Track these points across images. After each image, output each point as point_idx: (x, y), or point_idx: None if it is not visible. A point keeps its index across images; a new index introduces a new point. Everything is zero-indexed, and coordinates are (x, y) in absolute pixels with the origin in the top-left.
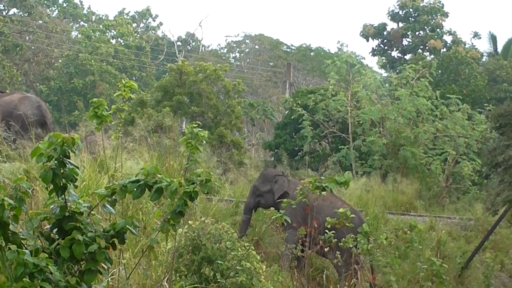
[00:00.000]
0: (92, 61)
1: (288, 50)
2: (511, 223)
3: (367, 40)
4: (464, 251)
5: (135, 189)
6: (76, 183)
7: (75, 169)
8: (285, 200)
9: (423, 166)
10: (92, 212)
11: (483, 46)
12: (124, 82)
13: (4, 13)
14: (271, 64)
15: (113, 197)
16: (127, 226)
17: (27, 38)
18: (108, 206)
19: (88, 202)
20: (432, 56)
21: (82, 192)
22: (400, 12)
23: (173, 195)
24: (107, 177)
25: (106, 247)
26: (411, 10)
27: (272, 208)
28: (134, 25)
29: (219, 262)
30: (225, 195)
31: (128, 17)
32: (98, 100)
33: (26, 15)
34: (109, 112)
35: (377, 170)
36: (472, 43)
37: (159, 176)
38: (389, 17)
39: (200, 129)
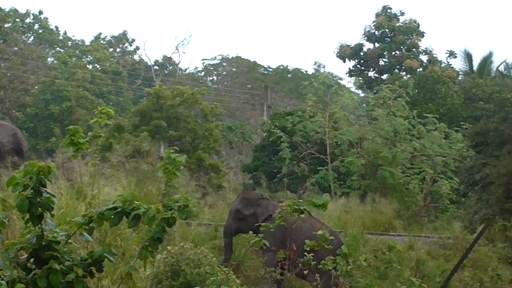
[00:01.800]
0: (69, 87)
1: (265, 72)
2: (490, 241)
3: (344, 61)
4: (443, 270)
5: (112, 217)
6: (52, 212)
7: (52, 198)
8: (264, 223)
9: (401, 186)
10: (70, 240)
11: (459, 64)
12: (100, 108)
13: None
14: (249, 86)
15: (90, 225)
16: (105, 254)
17: (3, 65)
18: (86, 234)
19: (65, 230)
20: (408, 76)
21: (59, 220)
22: (376, 33)
23: (151, 222)
24: (84, 204)
25: (83, 276)
26: (387, 30)
27: (250, 232)
28: (111, 49)
29: (199, 287)
30: (204, 219)
31: (104, 42)
32: (74, 127)
33: (1, 42)
34: (85, 139)
35: (356, 190)
36: (448, 62)
37: (137, 202)
38: (365, 38)
39: (178, 154)
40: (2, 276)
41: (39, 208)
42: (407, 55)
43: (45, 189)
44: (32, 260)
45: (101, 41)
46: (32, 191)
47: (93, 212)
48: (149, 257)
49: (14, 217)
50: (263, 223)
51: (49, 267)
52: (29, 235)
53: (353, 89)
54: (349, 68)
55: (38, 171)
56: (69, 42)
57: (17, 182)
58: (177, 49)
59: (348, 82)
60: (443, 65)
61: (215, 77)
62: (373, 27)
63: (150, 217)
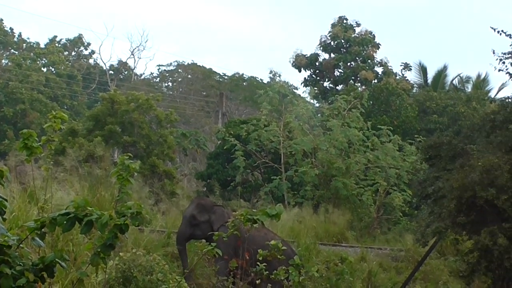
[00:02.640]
0: (23, 89)
1: (220, 79)
2: (441, 254)
3: (299, 71)
4: (394, 282)
5: (65, 222)
6: (4, 216)
7: (4, 202)
8: (217, 232)
9: (355, 197)
10: (21, 245)
11: (414, 77)
12: (54, 113)
13: None
14: (204, 93)
15: (43, 230)
16: (57, 259)
17: None
18: (37, 239)
19: (16, 234)
20: (363, 87)
21: (11, 223)
22: (332, 43)
23: (103, 228)
24: (37, 208)
25: (34, 281)
26: (342, 41)
27: (203, 239)
28: (66, 53)
29: None
30: (157, 226)
31: (59, 45)
32: (28, 131)
33: None
34: (39, 144)
35: (309, 200)
36: (403, 74)
37: (89, 208)
38: (321, 48)
39: (132, 161)
40: None
41: None
42: (362, 66)
43: None
44: None
45: (56, 44)
46: None
47: (46, 217)
48: (101, 263)
49: None
50: (216, 232)
51: (0, 271)
52: None
53: (308, 99)
54: (304, 78)
55: None
56: (24, 44)
57: None
58: (133, 54)
59: (303, 92)
60: (398, 77)
61: (170, 84)
62: (329, 38)
63: (103, 223)
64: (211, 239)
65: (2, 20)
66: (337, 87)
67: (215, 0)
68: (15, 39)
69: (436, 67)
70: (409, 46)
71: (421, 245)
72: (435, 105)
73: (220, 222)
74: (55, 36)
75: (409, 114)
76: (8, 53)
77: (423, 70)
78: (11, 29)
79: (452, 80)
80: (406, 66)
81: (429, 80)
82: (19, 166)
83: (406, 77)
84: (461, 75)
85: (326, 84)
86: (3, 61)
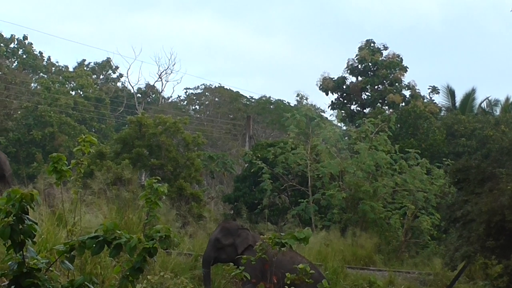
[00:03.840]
0: (51, 112)
1: (247, 102)
2: (470, 278)
3: (327, 94)
4: None
5: (94, 245)
6: (34, 239)
7: (34, 225)
8: (244, 256)
9: (382, 220)
10: (50, 268)
11: (441, 100)
12: (83, 136)
13: None
14: (231, 116)
15: (72, 253)
16: (86, 282)
17: None
18: (67, 262)
19: (46, 258)
20: (391, 110)
21: (40, 246)
22: (359, 66)
23: (132, 252)
24: (65, 231)
25: None
26: (370, 64)
27: (230, 262)
28: (94, 76)
29: None
30: (184, 249)
31: (88, 69)
32: (58, 155)
33: None
34: (68, 167)
35: (336, 224)
36: (431, 97)
37: (118, 232)
38: (348, 71)
39: (160, 184)
40: None
41: (21, 236)
42: (389, 89)
43: (27, 216)
44: (13, 287)
45: (85, 68)
46: (14, 218)
47: (75, 240)
48: (130, 286)
49: None
50: (244, 256)
51: None
52: (10, 262)
53: (335, 122)
54: (332, 101)
55: (21, 198)
56: (53, 68)
57: (0, 209)
58: (160, 78)
59: (331, 115)
60: (425, 100)
61: (197, 107)
62: (356, 61)
63: (132, 247)
64: (239, 263)
65: (31, 44)
66: (364, 110)
67: (242, 24)
68: (44, 62)
69: (464, 90)
70: (437, 69)
71: (450, 269)
72: (463, 128)
73: (244, 245)
74: (84, 60)
75: (437, 137)
76: (37, 76)
77: (451, 93)
78: (40, 53)
79: (481, 103)
80: (434, 89)
81: (457, 103)
82: (47, 189)
83: (433, 100)
84: (489, 98)
85: (353, 107)
86: (32, 84)
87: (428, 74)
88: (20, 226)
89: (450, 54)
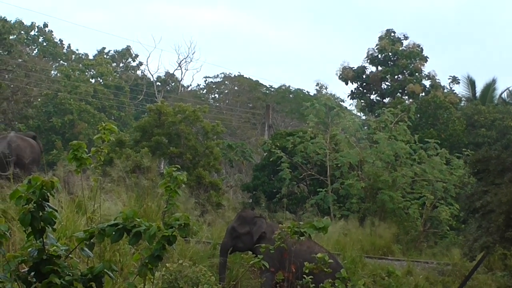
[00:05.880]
0: (71, 100)
1: (267, 91)
2: (489, 269)
3: (346, 83)
4: None
5: (113, 233)
6: (54, 226)
7: (54, 213)
8: (264, 245)
9: (401, 210)
10: (70, 255)
11: (462, 90)
12: (104, 124)
13: None
14: (250, 105)
15: (91, 240)
16: (105, 269)
17: (6, 76)
18: (86, 249)
19: (66, 245)
20: (410, 100)
21: (59, 233)
22: (379, 56)
23: (152, 239)
24: (85, 218)
25: None
26: (390, 54)
27: (249, 251)
28: (114, 64)
29: None
30: (202, 237)
31: (107, 57)
32: (78, 142)
33: (5, 53)
34: (88, 155)
35: (355, 213)
36: (451, 88)
37: (138, 220)
38: (368, 61)
39: (179, 173)
40: None
41: (41, 223)
42: (409, 79)
43: (47, 203)
44: (32, 273)
45: (105, 56)
46: (35, 205)
47: (95, 227)
48: (149, 274)
49: (14, 228)
50: (263, 244)
51: (49, 281)
52: (30, 249)
53: (354, 112)
54: (351, 91)
55: (42, 186)
56: (73, 56)
57: (20, 196)
58: (180, 66)
59: (350, 104)
60: (445, 90)
61: (217, 95)
62: (376, 50)
63: (151, 235)
64: (257, 251)
65: (52, 31)
66: (384, 100)
67: (261, 12)
68: (64, 50)
69: (484, 81)
70: (457, 60)
71: (468, 260)
72: (483, 119)
73: (258, 233)
74: (104, 48)
75: (457, 127)
76: (57, 64)
77: (471, 83)
78: (61, 40)
79: (501, 93)
80: (454, 80)
81: (478, 94)
82: (66, 176)
83: (454, 90)
84: (510, 88)
85: (373, 97)
86: (52, 72)
87: (448, 65)
88: (41, 213)
89: (471, 44)
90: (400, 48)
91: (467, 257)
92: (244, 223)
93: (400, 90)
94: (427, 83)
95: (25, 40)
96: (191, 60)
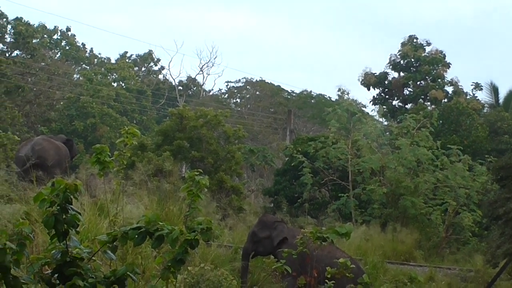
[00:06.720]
0: (93, 103)
1: (288, 96)
2: None
3: (368, 89)
4: None
5: (136, 236)
6: (77, 229)
7: (77, 215)
8: (286, 249)
9: (423, 216)
10: (93, 257)
11: (485, 97)
12: (127, 128)
13: (7, 55)
14: (272, 110)
15: (114, 243)
16: (128, 272)
17: (29, 80)
18: (109, 252)
19: (88, 247)
20: (433, 106)
21: (82, 236)
22: (402, 62)
23: (174, 243)
24: (107, 221)
25: None
26: (412, 60)
27: (271, 256)
28: (136, 68)
29: None
30: (224, 241)
31: (130, 61)
32: (101, 146)
33: (28, 57)
34: (111, 158)
35: (377, 219)
36: (474, 94)
37: (161, 223)
38: (390, 66)
39: (201, 177)
40: None
41: (65, 225)
42: (432, 85)
43: (71, 206)
44: (56, 275)
45: (127, 60)
46: (58, 208)
47: (118, 231)
48: (172, 277)
49: (37, 230)
50: (285, 249)
51: (72, 283)
52: (53, 251)
53: (376, 117)
54: (373, 96)
55: (65, 189)
56: (95, 60)
57: (44, 198)
58: (202, 71)
59: (372, 110)
60: (468, 97)
61: (238, 100)
62: (399, 56)
63: (174, 238)
64: (279, 256)
65: (74, 35)
66: (406, 106)
67: (284, 17)
68: (87, 54)
69: (508, 87)
70: (480, 66)
71: (491, 266)
72: (507, 126)
73: (279, 238)
74: (126, 52)
75: (480, 134)
76: (79, 68)
77: (494, 90)
78: (83, 44)
79: None
80: (477, 86)
81: (501, 100)
82: (88, 179)
83: (476, 97)
84: None
85: (395, 102)
86: (74, 75)
87: (471, 71)
88: (64, 216)
89: (494, 51)
90: (423, 54)
91: (490, 263)
92: (264, 227)
93: (423, 96)
94: (449, 89)
95: (48, 44)
96: (213, 65)
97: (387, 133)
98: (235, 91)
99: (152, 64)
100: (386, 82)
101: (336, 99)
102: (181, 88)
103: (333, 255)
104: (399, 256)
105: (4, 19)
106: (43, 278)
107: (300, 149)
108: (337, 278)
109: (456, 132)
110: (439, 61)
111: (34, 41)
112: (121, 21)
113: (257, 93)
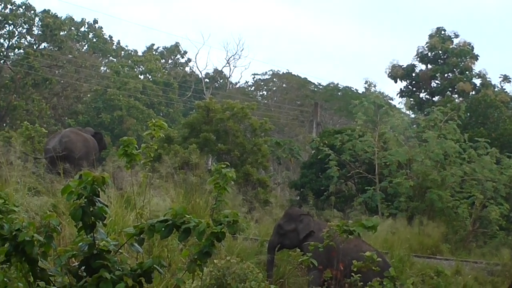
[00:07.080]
0: (120, 96)
1: (315, 89)
2: None
3: (395, 81)
4: None
5: (163, 229)
6: (104, 221)
7: (104, 208)
8: (312, 242)
9: (450, 209)
10: (120, 250)
11: None
12: (154, 121)
13: (34, 47)
14: (298, 103)
15: (141, 236)
16: (154, 265)
17: (57, 72)
18: (136, 244)
19: (115, 240)
20: (460, 99)
21: (108, 228)
22: (429, 54)
23: (201, 236)
24: (133, 214)
25: (133, 286)
26: (440, 52)
27: (297, 249)
28: (163, 61)
29: None
30: (250, 234)
31: (156, 53)
32: (128, 138)
33: (56, 49)
34: (138, 151)
35: (403, 212)
36: (502, 87)
37: (187, 216)
38: (418, 59)
39: (228, 169)
40: (53, 282)
41: (92, 218)
42: (460, 78)
43: (98, 198)
44: (83, 267)
45: (154, 52)
46: (85, 200)
47: (144, 223)
48: (198, 270)
49: (64, 223)
50: (311, 242)
51: (99, 276)
52: (81, 243)
53: (403, 110)
54: (400, 89)
55: (93, 181)
56: (122, 52)
57: (72, 191)
58: (228, 63)
59: (399, 102)
60: (496, 89)
61: (265, 92)
62: (426, 48)
63: (201, 231)
64: (305, 249)
65: (101, 28)
66: (433, 99)
67: (310, 9)
68: (114, 46)
69: None
70: (509, 58)
71: None
72: None
73: (305, 231)
74: (153, 44)
75: (508, 127)
76: (106, 60)
77: None
78: (110, 37)
79: None
80: (505, 78)
81: None
82: (115, 171)
83: (505, 89)
84: None
85: (422, 95)
86: (101, 68)
87: (499, 63)
88: (91, 208)
89: None
90: (451, 46)
91: None
92: (290, 220)
93: (450, 89)
94: (477, 81)
95: (75, 36)
96: (239, 57)
97: (414, 126)
98: (262, 83)
99: (178, 56)
100: (413, 75)
101: (363, 92)
102: (207, 80)
103: (359, 248)
104: (426, 250)
105: (32, 12)
106: (70, 270)
107: (326, 142)
108: (363, 271)
109: (483, 125)
110: (467, 53)
111: (61, 33)
112: (148, 13)
113: (284, 85)
